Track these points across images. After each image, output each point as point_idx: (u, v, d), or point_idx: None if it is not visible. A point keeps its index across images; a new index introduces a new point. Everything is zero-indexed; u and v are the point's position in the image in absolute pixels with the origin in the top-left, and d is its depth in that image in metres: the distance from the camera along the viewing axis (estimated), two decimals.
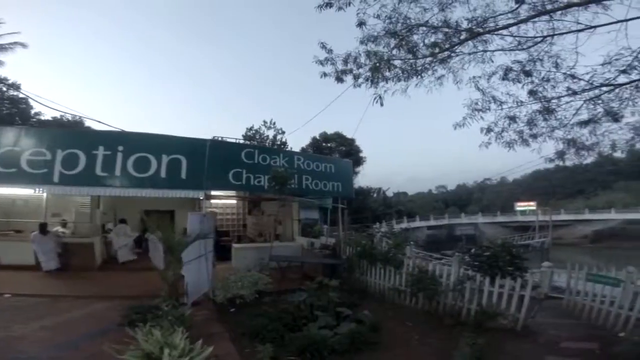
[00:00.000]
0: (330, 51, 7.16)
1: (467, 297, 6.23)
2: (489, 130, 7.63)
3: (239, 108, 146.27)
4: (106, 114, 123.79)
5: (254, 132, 29.30)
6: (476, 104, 7.33)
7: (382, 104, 6.84)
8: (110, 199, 11.53)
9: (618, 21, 5.47)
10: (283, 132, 29.52)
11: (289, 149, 26.46)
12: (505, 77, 7.00)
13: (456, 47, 6.67)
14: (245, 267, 8.10)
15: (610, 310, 5.91)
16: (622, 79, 6.27)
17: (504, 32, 6.40)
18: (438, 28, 6.57)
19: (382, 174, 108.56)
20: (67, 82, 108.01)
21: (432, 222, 42.75)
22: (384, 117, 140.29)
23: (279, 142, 29.27)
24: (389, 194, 50.14)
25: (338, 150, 40.21)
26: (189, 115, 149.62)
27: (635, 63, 5.97)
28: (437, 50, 6.72)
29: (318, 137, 42.44)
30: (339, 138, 41.75)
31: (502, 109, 7.28)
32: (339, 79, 7.41)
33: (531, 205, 43.01)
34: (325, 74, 7.38)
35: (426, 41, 6.75)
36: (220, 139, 11.13)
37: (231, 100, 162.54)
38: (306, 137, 45.24)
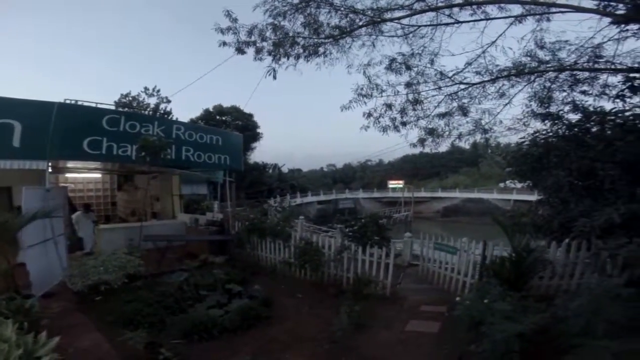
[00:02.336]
0: (235, 20, 6.75)
1: (345, 266, 6.76)
2: (369, 115, 8.36)
3: (128, 76, 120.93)
4: None
5: (130, 99, 25.30)
6: (362, 89, 7.90)
7: (275, 77, 6.77)
8: None
9: (483, 19, 6.50)
10: (168, 101, 26.36)
11: (174, 118, 23.79)
12: (389, 68, 7.71)
13: (355, 31, 6.98)
14: (113, 250, 7.07)
15: (452, 275, 6.69)
16: (475, 79, 7.69)
17: (396, 22, 6.95)
18: (343, 11, 6.70)
19: (282, 151, 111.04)
20: None
21: (322, 197, 45.55)
22: (286, 96, 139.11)
23: (161, 111, 26.10)
24: (284, 170, 51.01)
25: (234, 125, 38.26)
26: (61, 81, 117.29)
27: (485, 62, 7.35)
28: (337, 32, 6.91)
29: (212, 110, 39.45)
30: (235, 112, 39.64)
31: (382, 97, 8.07)
32: (240, 50, 7.07)
33: (400, 184, 50.24)
34: (225, 43, 6.95)
35: (331, 23, 6.89)
36: (73, 102, 9.05)
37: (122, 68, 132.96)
38: (199, 109, 41.18)
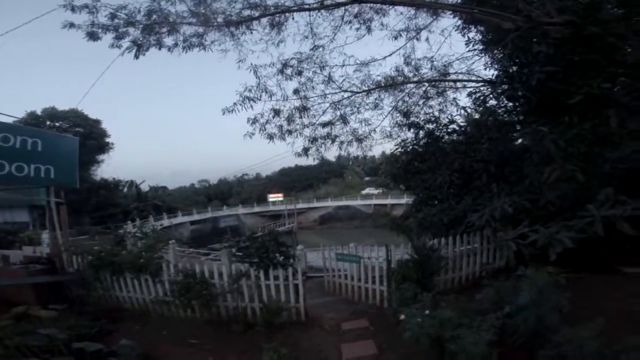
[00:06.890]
0: None
1: (247, 295, 5.63)
2: (255, 120, 7.68)
3: None
4: None
5: None
6: (250, 90, 7.11)
7: (137, 57, 5.22)
8: None
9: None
10: None
11: None
12: (282, 71, 7.16)
13: (253, 21, 6.12)
14: None
15: (359, 285, 6.32)
16: (356, 88, 7.83)
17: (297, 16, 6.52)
18: None
19: (144, 167, 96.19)
20: None
21: (195, 217, 41.03)
22: (148, 108, 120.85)
23: None
24: (144, 187, 43.67)
25: (72, 132, 30.38)
26: None
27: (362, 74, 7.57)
28: (232, 20, 5.91)
29: (40, 114, 30.36)
30: (75, 116, 31.56)
31: (271, 101, 7.44)
32: (93, 35, 5.40)
33: (279, 197, 50.59)
34: (72, 25, 5.27)
35: (227, 12, 5.92)
36: None
37: None
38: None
